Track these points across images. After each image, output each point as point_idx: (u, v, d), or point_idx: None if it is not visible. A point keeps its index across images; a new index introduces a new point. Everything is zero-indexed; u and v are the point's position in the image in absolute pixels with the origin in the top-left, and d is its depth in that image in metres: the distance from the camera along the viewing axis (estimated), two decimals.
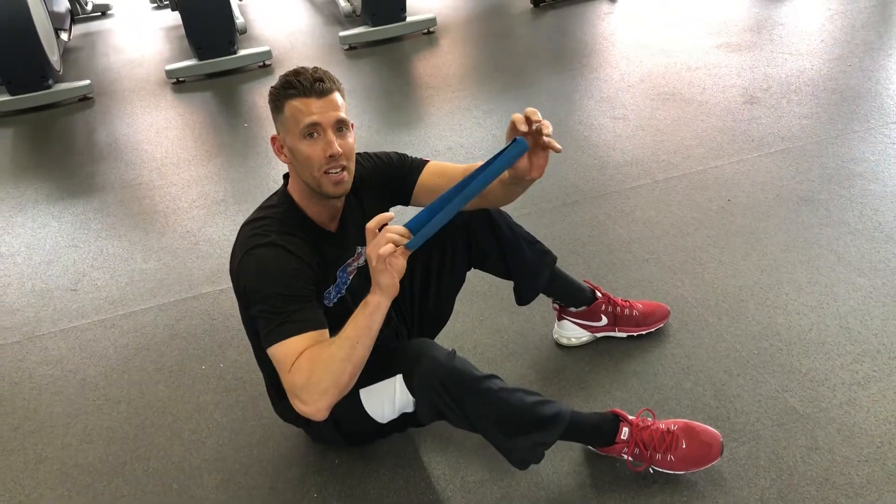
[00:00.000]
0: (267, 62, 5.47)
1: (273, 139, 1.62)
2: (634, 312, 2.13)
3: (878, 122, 3.28)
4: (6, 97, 5.15)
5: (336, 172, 1.55)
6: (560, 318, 2.15)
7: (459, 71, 4.98)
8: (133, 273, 2.91)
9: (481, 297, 2.40)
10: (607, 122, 3.71)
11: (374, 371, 1.57)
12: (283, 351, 1.46)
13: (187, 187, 3.63)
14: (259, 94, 4.95)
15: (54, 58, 5.40)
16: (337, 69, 5.16)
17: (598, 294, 2.12)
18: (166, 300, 2.69)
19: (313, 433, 1.88)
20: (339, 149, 1.53)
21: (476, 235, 1.88)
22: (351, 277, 1.72)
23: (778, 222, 2.65)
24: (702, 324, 2.17)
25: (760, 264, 2.42)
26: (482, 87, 4.58)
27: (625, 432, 1.69)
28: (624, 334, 2.14)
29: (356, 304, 1.46)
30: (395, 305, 1.88)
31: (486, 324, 2.30)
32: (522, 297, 2.03)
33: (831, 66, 4.04)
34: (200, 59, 5.42)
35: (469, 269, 1.96)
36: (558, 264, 2.03)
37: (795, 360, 2.00)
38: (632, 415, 1.73)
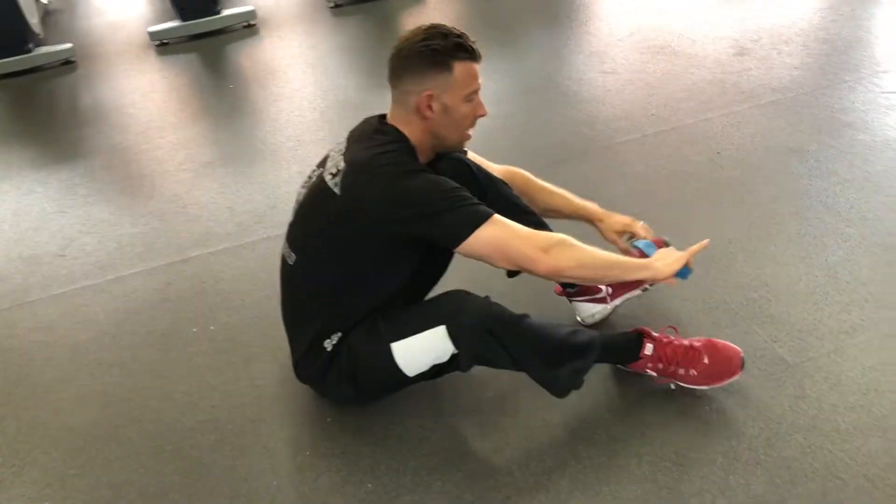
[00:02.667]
0: (251, 22, 5.38)
1: (430, 96, 1.61)
2: None
3: (868, 71, 3.26)
4: None
5: (470, 132, 1.71)
6: (571, 302, 2.09)
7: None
8: (121, 237, 2.89)
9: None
10: (596, 77, 3.68)
11: (409, 324, 1.66)
12: (501, 222, 1.56)
13: (174, 150, 3.59)
14: (245, 56, 4.88)
15: (34, 21, 5.29)
16: (323, 27, 5.10)
17: None
18: (156, 264, 2.68)
19: (329, 389, 1.87)
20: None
21: None
22: None
23: (767, 174, 2.64)
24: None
25: (750, 216, 2.42)
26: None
27: (649, 348, 1.77)
28: (637, 292, 2.06)
29: None
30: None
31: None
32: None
33: (822, 15, 4.00)
34: (183, 20, 5.32)
35: None
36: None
37: (784, 310, 2.01)
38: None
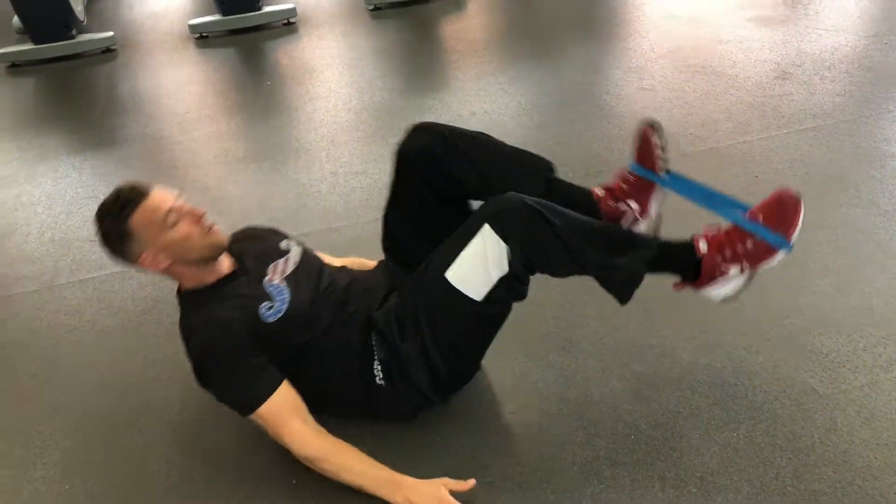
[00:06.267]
0: (291, 20, 5.41)
1: (144, 259, 1.69)
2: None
3: None
4: (30, 46, 5.13)
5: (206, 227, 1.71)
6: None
7: (486, 36, 4.91)
8: None
9: None
10: (634, 93, 3.65)
11: (454, 243, 1.63)
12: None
13: (208, 143, 3.61)
14: (283, 53, 4.91)
15: (78, 8, 5.37)
16: (362, 29, 5.12)
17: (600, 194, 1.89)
18: None
19: (403, 394, 1.80)
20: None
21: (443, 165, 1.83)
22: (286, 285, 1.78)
23: (806, 201, 2.55)
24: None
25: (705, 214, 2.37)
26: (508, 54, 4.51)
27: (703, 245, 1.70)
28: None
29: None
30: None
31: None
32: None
33: (867, 43, 3.94)
34: (224, 14, 5.37)
35: (456, 205, 1.90)
36: None
37: (817, 340, 1.97)
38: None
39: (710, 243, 1.70)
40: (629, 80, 3.81)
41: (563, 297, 2.23)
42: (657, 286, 2.20)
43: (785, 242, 1.67)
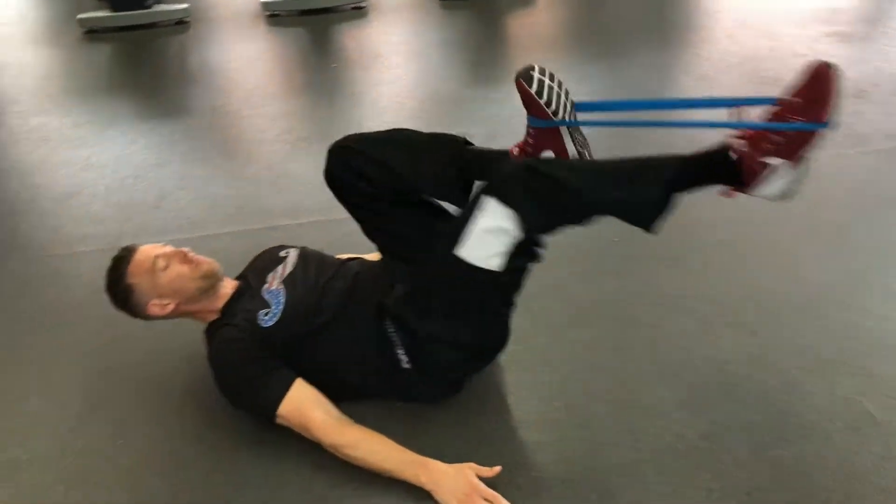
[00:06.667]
0: (362, 4, 5.46)
1: (149, 307, 1.87)
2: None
3: None
4: (107, 13, 5.26)
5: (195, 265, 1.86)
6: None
7: (554, 32, 4.89)
8: (215, 197, 2.97)
9: (557, 265, 2.38)
10: None
11: (459, 223, 1.62)
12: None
13: (273, 120, 3.66)
14: (351, 37, 4.95)
15: None
16: (430, 18, 5.13)
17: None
18: (245, 227, 2.74)
19: (430, 379, 1.83)
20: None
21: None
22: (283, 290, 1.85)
23: (873, 223, 2.54)
24: (780, 316, 2.11)
25: (849, 264, 2.33)
26: (576, 52, 4.49)
27: (739, 143, 1.57)
28: None
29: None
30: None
31: (559, 291, 2.27)
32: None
33: None
34: None
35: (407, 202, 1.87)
36: None
37: (876, 365, 1.93)
38: None
39: (747, 140, 1.57)
40: (698, 89, 3.76)
41: (616, 299, 2.22)
42: (716, 297, 2.19)
43: (821, 124, 1.51)
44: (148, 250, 1.86)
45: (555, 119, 1.64)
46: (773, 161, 1.55)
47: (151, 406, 1.96)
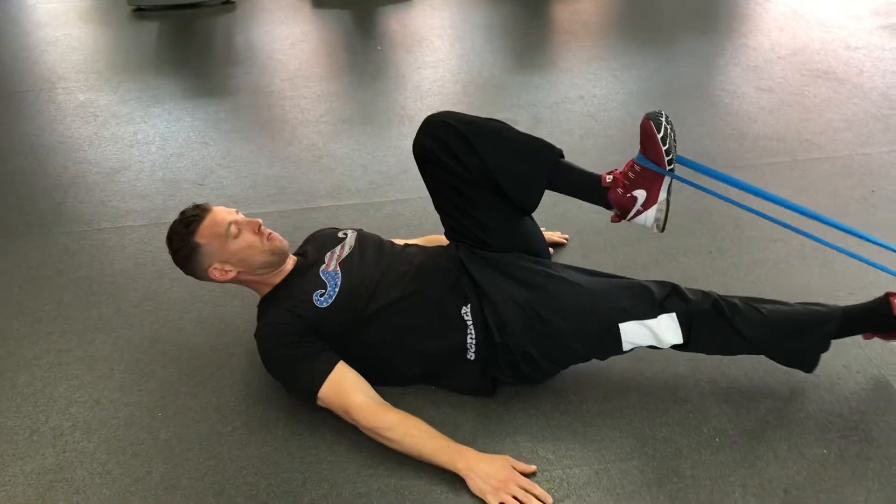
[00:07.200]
0: None
1: (212, 270, 1.86)
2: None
3: None
4: None
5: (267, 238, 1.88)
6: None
7: (601, 20, 4.82)
8: (257, 177, 2.99)
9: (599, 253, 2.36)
10: (751, 92, 3.53)
11: (629, 298, 1.74)
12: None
13: (316, 101, 3.68)
14: (395, 20, 4.93)
15: None
16: (476, 3, 5.10)
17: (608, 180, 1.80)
18: (287, 207, 2.76)
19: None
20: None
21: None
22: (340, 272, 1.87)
23: None
24: None
25: None
26: (623, 40, 4.42)
27: None
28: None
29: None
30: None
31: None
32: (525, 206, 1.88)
33: None
34: None
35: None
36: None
37: None
38: None
39: None
40: (747, 79, 3.69)
41: None
42: (761, 292, 2.15)
43: None
44: (223, 213, 1.85)
45: (666, 168, 1.67)
46: None
47: (192, 380, 1.99)
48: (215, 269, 1.85)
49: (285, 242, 1.90)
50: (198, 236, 1.82)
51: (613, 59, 4.02)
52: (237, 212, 1.89)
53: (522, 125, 3.24)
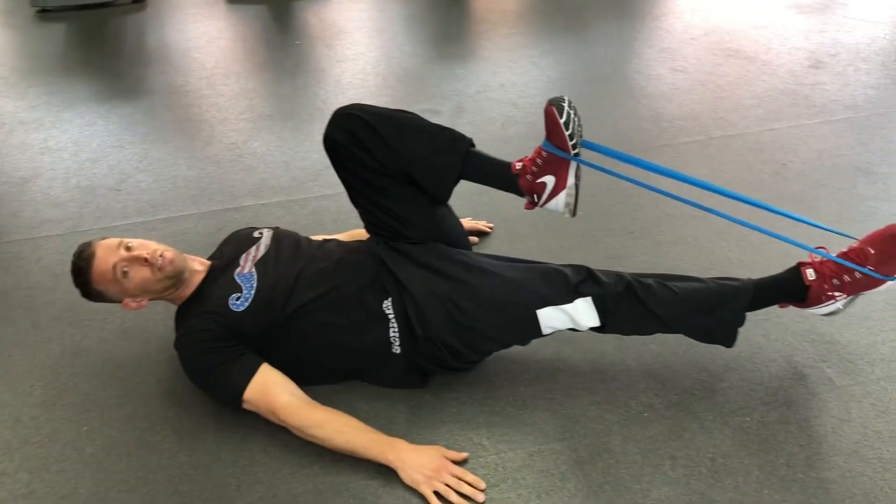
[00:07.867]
0: None
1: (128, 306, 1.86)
2: None
3: None
4: None
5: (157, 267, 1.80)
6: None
7: (519, 7, 4.87)
8: (176, 179, 2.93)
9: (525, 240, 2.38)
10: (666, 74, 3.62)
11: (549, 283, 1.75)
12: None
13: (235, 99, 3.61)
14: (313, 13, 4.88)
15: None
16: None
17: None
18: (208, 209, 2.71)
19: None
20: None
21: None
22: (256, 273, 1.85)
23: (832, 192, 2.58)
24: None
25: (811, 233, 2.35)
26: (541, 27, 4.47)
27: (810, 273, 1.75)
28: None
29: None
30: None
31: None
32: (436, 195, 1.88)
33: None
34: None
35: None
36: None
37: (836, 331, 1.97)
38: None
39: (818, 272, 1.74)
40: (661, 61, 3.78)
41: None
42: (681, 269, 2.21)
43: (892, 277, 1.69)
44: (106, 255, 1.79)
45: (571, 153, 1.68)
46: (839, 295, 1.73)
47: (116, 391, 1.94)
48: (127, 303, 1.85)
49: (176, 260, 1.83)
50: (94, 283, 1.82)
51: (532, 46, 4.07)
52: (120, 242, 1.81)
53: (445, 115, 3.26)
